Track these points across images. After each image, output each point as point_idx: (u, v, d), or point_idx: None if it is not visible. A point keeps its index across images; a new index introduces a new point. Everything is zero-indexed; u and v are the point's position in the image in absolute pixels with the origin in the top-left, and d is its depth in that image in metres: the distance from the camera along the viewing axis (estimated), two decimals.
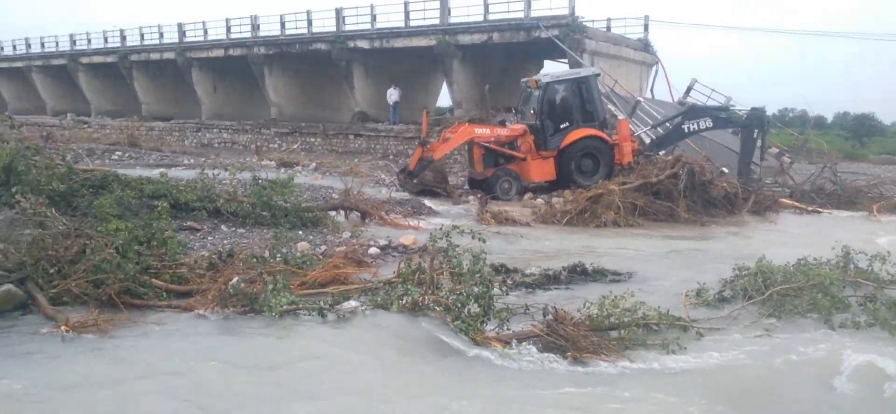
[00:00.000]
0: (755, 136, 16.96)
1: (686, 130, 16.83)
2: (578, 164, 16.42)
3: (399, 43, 28.56)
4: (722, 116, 17.49)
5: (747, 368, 5.64)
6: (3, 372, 4.92)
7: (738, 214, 14.38)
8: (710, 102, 23.50)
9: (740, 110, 17.80)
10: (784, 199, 16.07)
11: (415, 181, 16.25)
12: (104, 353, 5.36)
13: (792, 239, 12.38)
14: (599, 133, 16.56)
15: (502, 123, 17.99)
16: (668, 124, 17.89)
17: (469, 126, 17.09)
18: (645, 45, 28.98)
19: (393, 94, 28.42)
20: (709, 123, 17.02)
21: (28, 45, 43.41)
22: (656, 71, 28.45)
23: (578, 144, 16.42)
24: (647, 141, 17.62)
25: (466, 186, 18.09)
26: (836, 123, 69.48)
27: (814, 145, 21.50)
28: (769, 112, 20.13)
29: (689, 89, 24.85)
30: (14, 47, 44.24)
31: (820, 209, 15.69)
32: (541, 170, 16.65)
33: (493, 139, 16.69)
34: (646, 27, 29.25)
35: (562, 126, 16.65)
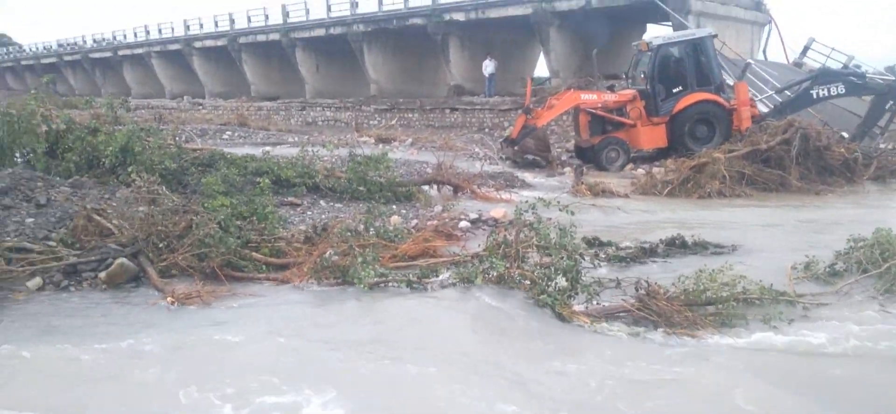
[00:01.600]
0: (888, 107, 15.56)
1: (815, 96, 15.53)
2: (692, 130, 15.69)
3: (494, 13, 28.28)
4: (857, 83, 15.93)
5: (853, 348, 5.23)
6: (126, 336, 5.33)
7: (858, 182, 13.32)
8: (830, 64, 21.82)
9: (880, 78, 16.26)
10: None
11: (516, 148, 16.13)
12: (206, 321, 5.69)
13: None
14: (716, 97, 15.74)
15: (611, 89, 17.46)
16: (792, 90, 16.66)
17: (575, 92, 16.72)
18: (757, 4, 27.19)
19: (488, 66, 28.25)
20: (841, 90, 15.56)
21: (147, 32, 46.21)
22: (769, 30, 26.64)
23: (693, 109, 15.70)
24: (766, 110, 16.49)
25: (573, 156, 17.76)
26: None
27: None
28: None
29: (805, 49, 23.18)
30: (135, 35, 47.24)
31: None
32: (651, 137, 16.06)
33: (600, 105, 16.25)
34: None
35: (674, 90, 15.96)
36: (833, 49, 22.15)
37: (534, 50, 32.10)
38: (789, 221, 10.39)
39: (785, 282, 6.57)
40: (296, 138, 21.48)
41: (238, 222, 7.57)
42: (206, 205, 7.78)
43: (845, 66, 21.20)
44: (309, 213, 9.91)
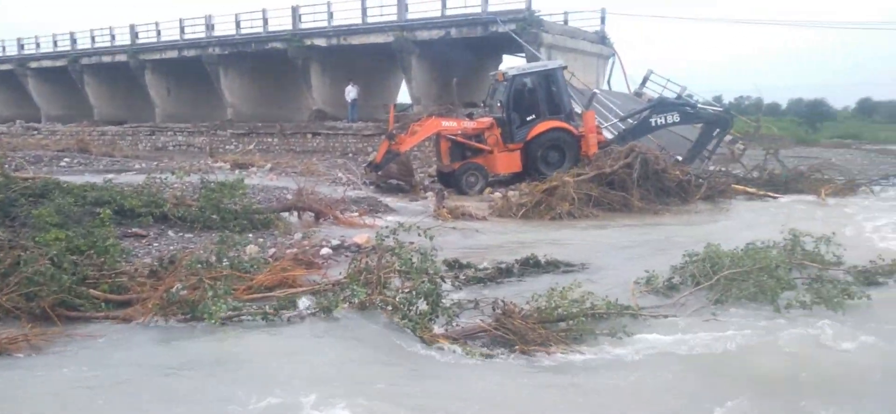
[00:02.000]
0: (715, 134, 17.21)
1: (653, 124, 16.94)
2: (545, 156, 16.52)
3: (356, 40, 28.35)
4: (690, 112, 17.60)
5: (691, 352, 5.68)
6: None
7: (691, 202, 14.56)
8: (666, 93, 23.84)
9: (711, 108, 17.97)
10: (736, 186, 16.32)
11: (379, 174, 16.22)
12: (34, 369, 5.15)
13: (743, 224, 12.58)
14: (565, 125, 16.68)
15: (470, 116, 18.01)
16: (634, 118, 17.96)
17: (436, 119, 17.13)
18: (601, 38, 29.20)
19: (351, 92, 28.21)
20: (676, 119, 17.15)
21: None
22: (613, 63, 28.74)
23: (544, 136, 16.53)
24: (610, 136, 17.66)
25: (435, 180, 18.07)
26: (789, 110, 71.12)
27: (766, 131, 21.89)
28: (726, 100, 20.47)
29: (644, 80, 25.16)
30: None
31: (771, 194, 15.99)
32: (507, 162, 16.72)
33: (459, 132, 16.71)
34: (602, 20, 29.47)
35: (528, 118, 16.74)
36: (668, 80, 24.27)
37: (396, 77, 32.44)
38: (632, 239, 11.13)
39: (629, 296, 7.00)
40: (143, 165, 20.21)
41: (74, 257, 6.95)
42: (37, 239, 7.11)
43: (679, 96, 23.26)
44: (155, 244, 9.31)
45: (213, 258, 7.37)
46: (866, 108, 73.43)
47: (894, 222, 12.29)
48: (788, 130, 44.46)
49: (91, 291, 6.60)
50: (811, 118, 59.01)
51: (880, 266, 7.91)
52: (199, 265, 6.96)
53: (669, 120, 17.04)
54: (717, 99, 17.72)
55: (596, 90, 22.15)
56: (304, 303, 6.52)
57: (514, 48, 26.83)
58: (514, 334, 5.83)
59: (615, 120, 19.22)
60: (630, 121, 17.93)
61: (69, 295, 6.37)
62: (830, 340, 5.85)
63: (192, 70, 33.75)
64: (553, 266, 8.63)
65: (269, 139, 28.74)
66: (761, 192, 15.99)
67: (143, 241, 9.39)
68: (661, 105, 18.07)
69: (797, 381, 5.29)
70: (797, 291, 7.07)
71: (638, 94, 25.59)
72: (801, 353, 5.68)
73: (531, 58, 23.42)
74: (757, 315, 6.64)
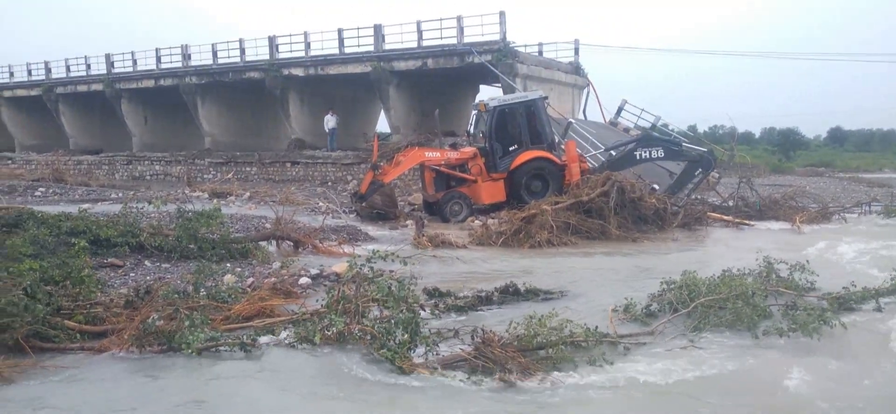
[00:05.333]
0: (697, 173, 17.46)
1: (638, 157, 17.14)
2: (528, 185, 16.63)
3: (334, 70, 28.44)
4: (675, 150, 17.80)
5: (668, 380, 5.71)
6: None
7: (668, 230, 14.73)
8: (640, 122, 24.17)
9: (695, 149, 18.23)
10: (712, 214, 16.56)
11: (363, 205, 16.28)
12: (6, 402, 5.05)
13: (719, 251, 12.76)
14: (548, 154, 16.84)
15: (454, 146, 18.11)
16: (618, 150, 18.10)
17: (419, 150, 17.23)
18: (576, 68, 29.64)
19: (330, 121, 28.24)
20: (661, 154, 17.39)
21: None
22: (588, 93, 29.10)
23: (527, 166, 16.67)
24: (594, 165, 17.77)
25: (415, 209, 18.12)
26: (763, 138, 72.50)
27: (740, 160, 22.27)
28: (700, 129, 20.81)
29: (619, 110, 25.45)
30: None
31: (747, 222, 16.23)
32: (491, 192, 16.81)
33: (443, 162, 16.80)
34: (576, 51, 29.97)
35: (511, 148, 16.89)
36: (643, 110, 24.56)
37: (375, 106, 32.58)
38: (610, 266, 11.21)
39: (607, 324, 7.05)
40: (120, 194, 20.01)
41: (48, 287, 6.85)
42: (10, 269, 6.98)
43: (653, 126, 23.58)
44: (132, 274, 9.20)
45: (191, 288, 7.31)
46: (837, 137, 75.18)
47: (867, 249, 12.53)
48: (763, 159, 45.37)
49: (66, 321, 6.50)
50: (784, 147, 60.14)
51: (853, 293, 8.04)
52: (176, 295, 6.90)
53: (654, 155, 17.27)
54: (692, 128, 18.13)
55: (571, 119, 22.41)
56: (282, 333, 6.47)
57: (491, 79, 27.11)
58: (494, 363, 5.83)
59: (601, 150, 19.40)
60: (612, 153, 18.10)
61: (43, 326, 6.26)
62: (807, 368, 5.93)
63: (169, 99, 33.60)
64: (532, 294, 8.66)
65: (248, 168, 28.62)
66: (737, 220, 16.24)
67: (120, 271, 9.28)
68: (646, 139, 18.33)
69: (775, 409, 5.34)
70: (773, 319, 7.17)
71: (613, 123, 25.89)
72: (777, 381, 5.75)
73: (507, 88, 23.67)
74: (734, 342, 6.71)
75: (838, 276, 9.31)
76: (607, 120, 26.16)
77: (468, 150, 17.30)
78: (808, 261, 8.59)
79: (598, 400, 5.37)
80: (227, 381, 5.49)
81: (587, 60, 30.42)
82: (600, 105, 27.36)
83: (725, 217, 16.46)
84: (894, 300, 8.09)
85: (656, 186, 16.79)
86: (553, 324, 6.32)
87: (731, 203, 17.66)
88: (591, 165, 17.47)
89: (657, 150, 17.30)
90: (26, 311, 6.19)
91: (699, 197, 17.35)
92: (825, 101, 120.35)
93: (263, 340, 6.17)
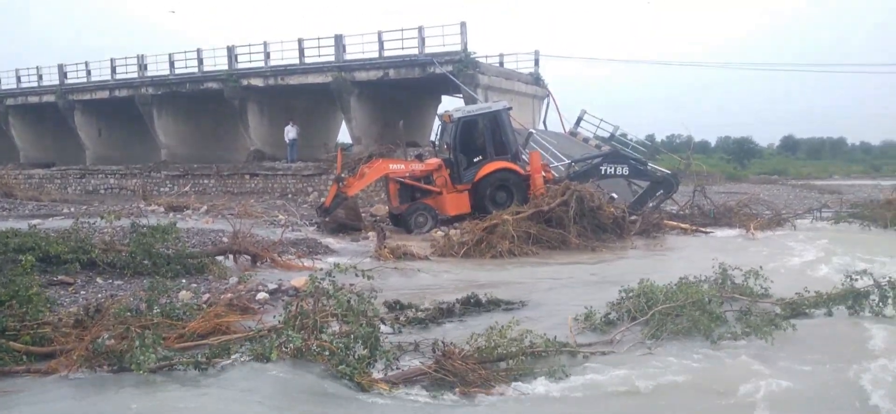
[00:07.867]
0: (658, 193, 17.75)
1: (603, 172, 17.37)
2: (493, 196, 16.66)
3: (294, 80, 28.23)
4: (639, 169, 18.12)
5: (628, 388, 5.75)
6: None
7: (627, 238, 14.92)
8: (600, 131, 24.54)
9: (659, 171, 18.57)
10: (669, 222, 16.84)
11: (327, 219, 16.11)
12: None
13: (677, 259, 12.97)
14: (512, 165, 16.92)
15: (420, 157, 18.06)
16: (584, 163, 18.27)
17: (384, 161, 17.17)
18: (536, 79, 29.93)
19: (290, 132, 27.97)
20: (626, 171, 17.66)
21: None
22: (548, 103, 29.43)
23: (492, 177, 16.72)
24: (556, 176, 17.92)
25: (377, 220, 18.00)
26: (719, 147, 74.19)
27: (696, 168, 22.72)
28: (658, 138, 21.21)
29: (579, 120, 25.81)
30: None
31: (703, 229, 16.55)
32: (456, 203, 16.81)
33: (407, 174, 16.73)
34: (536, 61, 30.25)
35: (475, 159, 16.93)
36: (602, 120, 24.94)
37: (336, 117, 32.38)
38: (570, 275, 11.31)
39: (567, 333, 7.08)
40: (72, 209, 19.47)
41: None
42: None
43: (612, 135, 23.95)
44: (83, 292, 8.92)
45: (144, 305, 7.10)
46: (789, 146, 77.44)
47: (818, 255, 12.88)
48: (718, 167, 46.43)
49: (11, 343, 6.25)
50: (739, 155, 61.64)
51: (806, 298, 8.22)
52: (128, 313, 6.68)
53: (619, 171, 17.55)
54: (650, 138, 18.46)
55: (532, 130, 22.60)
56: (235, 353, 6.32)
57: (452, 89, 27.21)
58: (455, 376, 5.79)
59: (563, 161, 19.58)
60: (576, 167, 18.27)
61: None
62: (762, 372, 6.03)
63: (124, 111, 32.91)
64: (494, 304, 8.66)
65: (206, 181, 28.15)
66: (693, 228, 16.54)
67: (70, 289, 8.99)
68: (614, 155, 18.63)
69: (730, 412, 5.42)
70: (728, 324, 7.29)
71: (573, 133, 26.22)
72: (732, 386, 5.83)
73: (468, 99, 23.78)
74: (691, 349, 6.79)
75: (791, 281, 9.52)
76: (567, 130, 26.46)
77: (433, 162, 17.31)
78: (761, 267, 8.76)
79: (559, 411, 5.37)
80: (181, 400, 5.34)
81: (548, 71, 30.73)
82: (560, 115, 27.70)
83: (682, 225, 16.76)
84: (845, 305, 8.29)
85: (615, 195, 17.02)
86: (513, 335, 6.31)
87: (687, 211, 18.00)
88: (555, 176, 17.62)
89: (623, 168, 17.59)
90: None
91: (656, 205, 17.65)
92: (775, 107, 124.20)
93: (218, 359, 6.01)
